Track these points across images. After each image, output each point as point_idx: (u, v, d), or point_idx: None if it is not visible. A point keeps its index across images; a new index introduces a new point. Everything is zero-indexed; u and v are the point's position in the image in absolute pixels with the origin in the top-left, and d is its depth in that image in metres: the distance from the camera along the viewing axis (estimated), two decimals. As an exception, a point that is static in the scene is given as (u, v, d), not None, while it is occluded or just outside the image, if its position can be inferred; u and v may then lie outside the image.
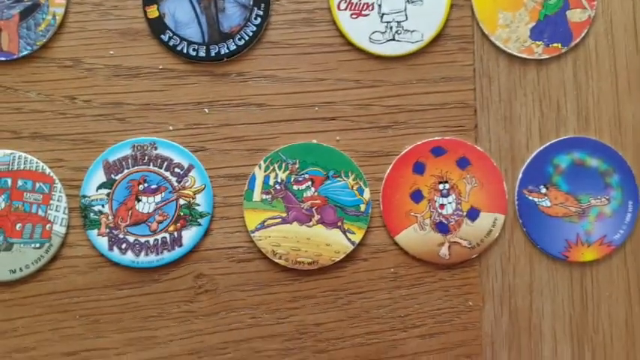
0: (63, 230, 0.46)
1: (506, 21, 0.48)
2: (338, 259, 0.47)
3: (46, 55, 0.47)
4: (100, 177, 0.46)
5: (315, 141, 0.48)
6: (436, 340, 0.48)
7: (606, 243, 0.48)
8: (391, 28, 0.48)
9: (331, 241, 0.47)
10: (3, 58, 0.46)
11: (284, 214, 0.47)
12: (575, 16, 0.48)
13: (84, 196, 0.46)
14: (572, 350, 0.49)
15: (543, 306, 0.49)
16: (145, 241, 0.46)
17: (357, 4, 0.47)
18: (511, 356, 0.49)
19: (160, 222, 0.46)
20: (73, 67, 0.47)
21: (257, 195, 0.47)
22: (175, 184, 0.46)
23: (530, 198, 0.48)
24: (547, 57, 0.48)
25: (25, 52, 0.46)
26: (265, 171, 0.47)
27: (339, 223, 0.47)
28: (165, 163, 0.46)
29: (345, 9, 0.47)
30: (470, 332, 0.48)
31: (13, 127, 0.46)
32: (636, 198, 0.48)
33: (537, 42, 0.48)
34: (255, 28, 0.47)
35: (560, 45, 0.48)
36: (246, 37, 0.47)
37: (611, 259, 0.49)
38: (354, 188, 0.48)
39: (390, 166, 0.48)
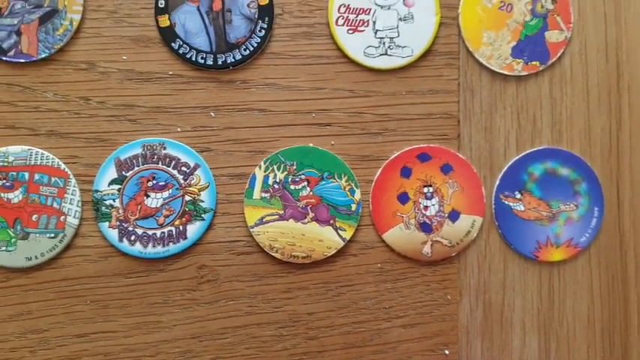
0: (76, 222, 0.48)
1: (490, 39, 0.51)
2: (329, 254, 0.49)
3: (62, 58, 0.48)
4: (112, 173, 0.48)
5: (311, 145, 0.49)
6: (417, 329, 0.51)
7: (573, 245, 0.51)
8: (384, 43, 0.50)
9: (324, 238, 0.49)
10: (22, 60, 0.47)
11: (281, 212, 0.49)
12: (552, 36, 0.51)
13: (96, 191, 0.48)
14: (539, 341, 0.52)
15: (514, 301, 0.51)
16: (153, 234, 0.48)
17: (353, 20, 0.49)
18: (484, 346, 0.51)
19: (166, 216, 0.48)
20: (88, 70, 0.48)
21: (257, 193, 0.49)
22: (182, 181, 0.48)
23: (506, 202, 0.51)
24: (526, 74, 0.51)
25: (44, 55, 0.47)
26: (265, 171, 0.49)
27: (332, 221, 0.49)
28: (173, 162, 0.48)
29: (343, 25, 0.49)
30: (447, 323, 0.51)
31: (30, 124, 0.48)
32: (602, 205, 0.52)
33: (517, 59, 0.51)
34: (259, 40, 0.49)
35: (538, 63, 0.51)
36: (251, 48, 0.49)
37: (577, 259, 0.52)
38: (346, 189, 0.50)
39: (380, 170, 0.50)
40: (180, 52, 0.48)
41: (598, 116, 0.52)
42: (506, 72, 0.51)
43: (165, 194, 0.48)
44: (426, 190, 0.50)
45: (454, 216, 0.50)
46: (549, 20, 0.51)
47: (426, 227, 0.50)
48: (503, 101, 0.51)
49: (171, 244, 0.48)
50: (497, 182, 0.51)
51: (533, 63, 0.51)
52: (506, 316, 0.52)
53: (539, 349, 0.52)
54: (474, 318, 0.51)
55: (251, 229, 0.49)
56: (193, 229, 0.49)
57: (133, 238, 0.48)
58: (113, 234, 0.48)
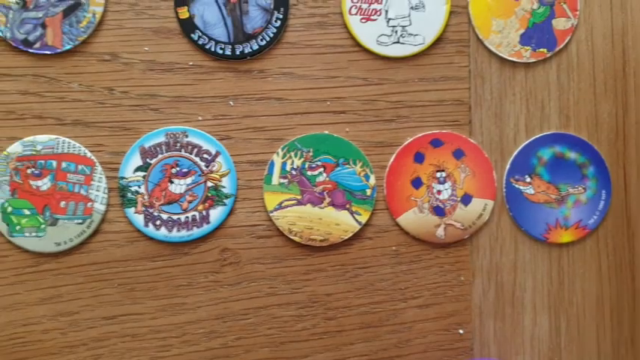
0: (103, 208, 0.49)
1: (499, 27, 0.52)
2: (346, 238, 0.51)
3: (86, 50, 0.49)
4: (137, 161, 0.49)
5: (327, 132, 0.51)
6: (431, 310, 0.52)
7: (581, 227, 0.53)
8: (396, 32, 0.51)
9: (340, 222, 0.51)
10: (48, 52, 0.49)
11: (299, 197, 0.51)
12: (560, 24, 0.52)
13: (122, 178, 0.49)
14: (550, 320, 0.53)
15: (525, 281, 0.53)
16: (177, 219, 0.50)
17: (366, 9, 0.51)
18: (496, 325, 0.53)
19: (190, 202, 0.50)
20: (111, 61, 0.49)
21: (275, 179, 0.51)
22: (204, 168, 0.50)
23: (516, 186, 0.52)
24: (534, 60, 0.52)
25: (68, 47, 0.49)
26: (283, 158, 0.51)
27: (348, 206, 0.51)
28: (195, 150, 0.50)
29: (356, 14, 0.50)
30: (461, 303, 0.52)
31: (57, 114, 0.49)
32: (609, 188, 0.53)
33: (526, 47, 0.52)
34: (275, 30, 0.50)
35: (545, 50, 0.52)
36: (267, 38, 0.50)
37: (585, 241, 0.53)
38: (361, 175, 0.51)
39: (393, 156, 0.51)
40: (200, 42, 0.50)
41: (604, 101, 0.53)
42: (514, 59, 0.52)
43: (189, 180, 0.50)
44: (438, 174, 0.52)
45: (466, 200, 0.52)
46: (556, 8, 0.52)
47: (439, 211, 0.52)
48: (513, 87, 0.52)
49: (194, 228, 0.50)
50: (508, 166, 0.52)
51: (541, 50, 0.52)
52: (517, 296, 0.53)
53: (549, 328, 0.53)
54: (487, 298, 0.53)
55: (270, 214, 0.51)
56: (216, 214, 0.50)
57: (158, 222, 0.50)
58: (139, 219, 0.50)
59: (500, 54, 0.52)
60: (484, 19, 0.52)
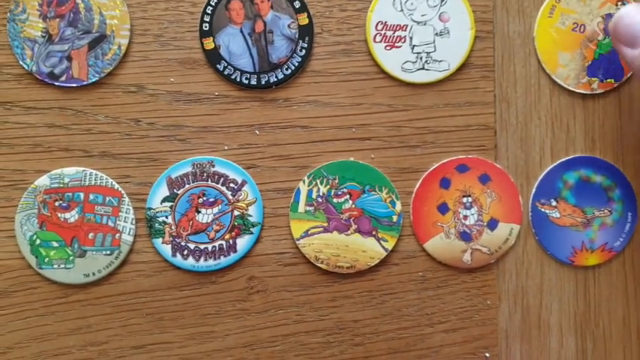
0: (131, 239, 0.50)
1: (565, 61, 0.52)
2: (373, 264, 0.51)
3: (112, 82, 0.49)
4: (164, 191, 0.50)
5: (352, 159, 0.51)
6: (458, 334, 0.52)
7: (607, 249, 0.53)
8: (421, 58, 0.51)
9: (367, 248, 0.51)
10: (74, 85, 0.49)
11: (325, 224, 0.51)
12: None
13: (149, 209, 0.50)
14: (576, 342, 0.53)
15: (552, 304, 0.53)
16: (204, 248, 0.50)
17: (390, 37, 0.51)
18: (523, 348, 0.53)
19: (217, 231, 0.50)
20: (137, 93, 0.50)
21: (302, 207, 0.51)
22: (230, 197, 0.50)
23: (542, 210, 0.52)
24: (602, 91, 0.52)
25: (94, 79, 0.49)
26: (309, 186, 0.51)
27: (374, 232, 0.51)
28: (222, 179, 0.50)
29: (380, 41, 0.51)
30: (487, 327, 0.52)
31: (84, 146, 0.49)
32: (635, 210, 0.53)
33: (593, 78, 0.52)
34: (300, 59, 0.50)
35: (613, 80, 0.52)
36: (292, 67, 0.50)
37: (611, 263, 0.53)
38: (387, 201, 0.51)
39: (419, 182, 0.51)
40: (226, 73, 0.50)
41: (629, 124, 0.53)
42: (582, 91, 0.52)
43: (215, 210, 0.50)
44: (465, 200, 0.52)
45: (493, 224, 0.52)
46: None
47: (465, 236, 0.52)
48: (538, 111, 0.52)
49: (222, 257, 0.50)
50: (534, 191, 0.52)
51: (609, 80, 0.52)
52: (543, 318, 0.53)
53: (576, 350, 0.54)
54: (513, 322, 0.53)
55: (297, 242, 0.51)
56: (242, 243, 0.51)
57: (185, 252, 0.50)
58: (166, 249, 0.50)
59: (569, 87, 0.52)
60: (550, 54, 0.52)
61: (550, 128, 0.53)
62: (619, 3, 0.52)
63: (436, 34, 0.51)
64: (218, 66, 0.50)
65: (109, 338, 0.51)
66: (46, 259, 0.49)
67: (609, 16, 0.52)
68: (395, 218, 0.51)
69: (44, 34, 0.49)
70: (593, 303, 0.54)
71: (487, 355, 0.53)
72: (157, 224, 0.50)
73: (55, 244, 0.49)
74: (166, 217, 0.50)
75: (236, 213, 0.51)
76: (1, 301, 0.50)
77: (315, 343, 0.52)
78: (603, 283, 0.54)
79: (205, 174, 0.50)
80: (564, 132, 0.53)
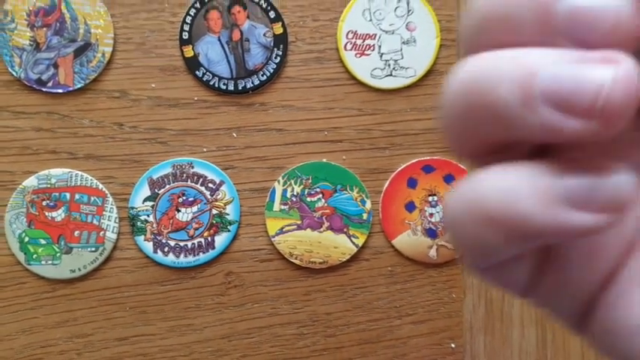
0: (114, 236, 0.52)
1: None
2: (344, 260, 0.54)
3: (97, 88, 0.52)
4: (146, 191, 0.53)
5: (324, 160, 0.54)
6: (425, 325, 0.55)
7: None
8: (389, 65, 0.54)
9: (338, 244, 0.54)
10: (60, 90, 0.52)
11: (299, 222, 0.54)
12: None
13: (132, 208, 0.52)
14: (537, 333, 0.56)
15: (513, 297, 0.56)
16: (184, 245, 0.53)
17: (360, 45, 0.53)
18: (486, 339, 0.56)
19: (196, 229, 0.53)
20: (120, 98, 0.52)
21: (277, 206, 0.54)
22: (209, 197, 0.53)
23: None
24: None
25: (79, 85, 0.52)
26: (283, 185, 0.54)
27: (345, 230, 0.54)
28: (201, 180, 0.53)
29: (351, 49, 0.53)
30: (453, 319, 0.55)
31: (69, 149, 0.52)
32: None
33: None
34: (275, 66, 0.53)
35: None
36: (268, 74, 0.53)
37: None
38: (358, 200, 0.54)
39: (388, 182, 0.54)
40: (204, 79, 0.53)
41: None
42: None
43: (195, 209, 0.53)
44: (430, 198, 0.55)
45: (457, 222, 0.55)
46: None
47: (431, 233, 0.55)
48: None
49: (201, 253, 0.53)
50: (496, 190, 0.55)
51: None
52: (506, 311, 0.56)
53: (536, 341, 0.57)
54: (477, 314, 0.56)
55: (272, 239, 0.54)
56: (220, 240, 0.53)
57: (166, 249, 0.53)
58: (148, 246, 0.53)
59: None
60: None
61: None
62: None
63: (403, 42, 0.54)
64: (197, 72, 0.53)
65: (94, 330, 0.53)
66: (34, 256, 0.52)
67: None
68: (365, 216, 0.54)
69: (32, 43, 0.52)
70: (553, 296, 0.56)
71: (453, 345, 0.56)
72: (139, 222, 0.53)
73: (43, 242, 0.52)
74: (148, 216, 0.53)
75: (214, 212, 0.53)
76: (-9, 295, 0.53)
77: (290, 335, 0.55)
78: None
79: (185, 175, 0.53)
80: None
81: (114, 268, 0.53)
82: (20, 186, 0.52)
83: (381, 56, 0.54)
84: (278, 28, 0.53)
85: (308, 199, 0.54)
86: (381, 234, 0.55)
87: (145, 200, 0.53)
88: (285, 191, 0.54)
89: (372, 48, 0.54)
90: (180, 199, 0.53)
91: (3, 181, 0.52)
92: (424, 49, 0.54)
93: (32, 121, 0.52)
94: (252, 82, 0.53)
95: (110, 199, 0.53)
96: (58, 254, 0.52)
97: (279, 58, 0.53)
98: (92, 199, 0.52)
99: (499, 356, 0.56)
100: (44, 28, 0.52)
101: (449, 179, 0.55)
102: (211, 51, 0.53)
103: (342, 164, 0.54)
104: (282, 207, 0.54)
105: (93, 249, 0.52)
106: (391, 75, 0.54)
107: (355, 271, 0.55)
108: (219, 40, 0.53)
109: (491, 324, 0.56)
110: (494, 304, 0.56)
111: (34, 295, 0.53)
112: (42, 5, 0.52)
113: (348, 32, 0.54)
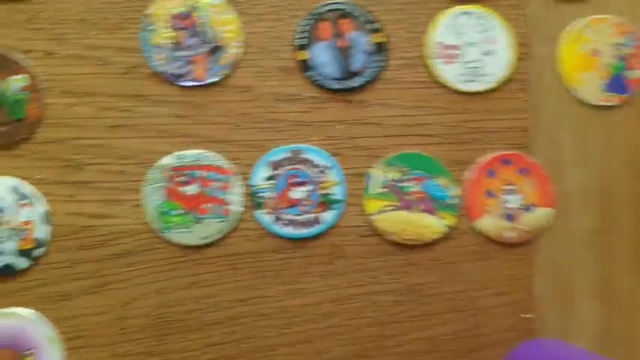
0: (238, 209, 0.59)
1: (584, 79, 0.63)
2: (435, 238, 0.61)
3: (226, 83, 0.59)
4: (265, 172, 0.59)
5: (417, 151, 0.62)
6: (503, 298, 0.61)
7: None
8: (471, 72, 0.62)
9: (429, 225, 0.61)
10: (195, 84, 0.59)
11: (397, 204, 0.60)
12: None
13: (253, 185, 0.59)
14: (601, 306, 0.63)
15: (579, 275, 0.63)
16: (297, 219, 0.59)
17: (447, 54, 0.62)
18: (555, 311, 0.63)
19: (307, 205, 0.60)
20: (246, 92, 0.60)
21: (376, 189, 0.61)
22: (318, 178, 0.60)
23: None
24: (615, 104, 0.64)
25: (211, 80, 0.59)
26: (382, 171, 0.61)
27: (435, 212, 0.61)
28: (311, 164, 0.60)
29: (439, 58, 0.62)
30: (526, 293, 0.62)
31: (201, 133, 0.59)
32: None
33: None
34: (374, 70, 0.61)
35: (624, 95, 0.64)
36: (368, 76, 0.61)
37: None
38: (445, 186, 0.61)
39: (471, 172, 0.62)
40: (315, 79, 0.61)
41: None
42: (599, 103, 0.64)
43: (306, 188, 0.60)
44: (507, 187, 0.62)
45: (531, 208, 0.62)
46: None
47: (508, 217, 0.62)
48: (562, 119, 0.64)
49: (311, 227, 0.60)
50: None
51: (621, 96, 0.64)
52: (572, 286, 0.63)
53: (600, 313, 0.63)
54: (547, 289, 0.63)
55: (372, 217, 0.61)
56: (327, 217, 0.60)
57: (281, 222, 0.60)
58: (267, 219, 0.60)
59: (588, 100, 0.64)
60: (572, 73, 0.64)
61: (571, 132, 0.64)
62: (626, 34, 0.65)
63: (484, 53, 0.63)
64: (309, 73, 0.61)
65: (218, 292, 0.59)
66: (170, 225, 0.59)
67: (620, 44, 0.64)
68: (451, 201, 0.62)
69: (172, 42, 0.60)
70: (614, 269, 0.64)
71: (527, 316, 0.62)
72: (259, 198, 0.60)
73: (177, 212, 0.59)
74: (266, 193, 0.60)
75: (322, 192, 0.61)
76: (129, 258, 0.59)
77: (388, 302, 0.61)
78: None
79: (298, 159, 0.60)
80: (582, 136, 0.64)
81: (237, 237, 0.59)
82: (159, 163, 0.59)
83: (464, 64, 0.63)
84: (378, 38, 0.62)
85: (404, 184, 0.61)
86: (465, 217, 0.62)
87: (264, 179, 0.60)
88: (382, 177, 0.61)
89: (456, 57, 0.63)
90: (294, 180, 0.60)
91: (144, 159, 0.60)
92: (502, 59, 0.63)
93: (170, 109, 0.60)
94: (355, 83, 0.61)
95: (235, 177, 0.60)
96: (190, 224, 0.59)
97: (378, 63, 0.62)
98: (220, 176, 0.59)
99: (567, 326, 0.63)
100: (183, 31, 0.60)
101: (523, 171, 0.63)
102: (321, 55, 0.61)
103: (432, 155, 0.62)
104: (381, 190, 0.61)
105: (220, 220, 0.59)
106: (473, 81, 0.63)
107: (443, 248, 0.61)
108: (329, 46, 0.62)
109: (559, 298, 0.63)
110: (562, 280, 0.63)
111: (167, 260, 0.59)
112: (182, 10, 0.60)
113: (437, 43, 0.63)
